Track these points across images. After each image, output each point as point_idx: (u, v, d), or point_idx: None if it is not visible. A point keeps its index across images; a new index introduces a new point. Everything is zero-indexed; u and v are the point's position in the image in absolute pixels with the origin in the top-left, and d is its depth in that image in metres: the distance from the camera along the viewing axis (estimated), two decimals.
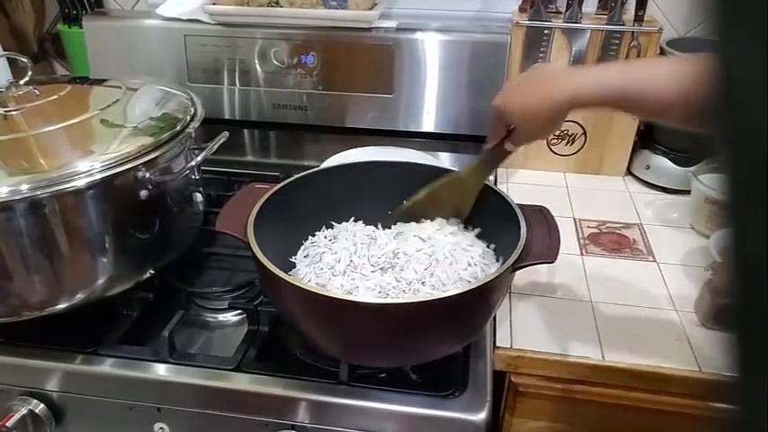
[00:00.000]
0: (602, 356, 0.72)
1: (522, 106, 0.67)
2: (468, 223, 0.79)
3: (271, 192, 0.74)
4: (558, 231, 0.70)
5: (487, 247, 0.75)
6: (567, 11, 1.04)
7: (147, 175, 0.73)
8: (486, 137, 0.74)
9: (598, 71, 0.66)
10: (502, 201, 0.74)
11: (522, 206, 0.72)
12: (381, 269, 0.70)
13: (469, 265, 0.70)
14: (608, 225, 0.97)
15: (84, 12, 1.20)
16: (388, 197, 0.83)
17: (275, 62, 1.09)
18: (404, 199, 0.82)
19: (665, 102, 0.59)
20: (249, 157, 1.20)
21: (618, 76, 0.62)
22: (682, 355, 0.72)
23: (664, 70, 0.62)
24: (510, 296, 0.81)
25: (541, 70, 0.70)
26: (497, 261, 0.73)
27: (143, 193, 0.73)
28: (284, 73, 1.10)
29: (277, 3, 1.05)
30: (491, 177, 1.08)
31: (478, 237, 0.78)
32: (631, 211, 1.01)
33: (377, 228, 0.79)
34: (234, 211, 0.71)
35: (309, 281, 0.70)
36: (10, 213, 0.66)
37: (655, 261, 0.89)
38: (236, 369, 0.71)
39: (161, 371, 0.72)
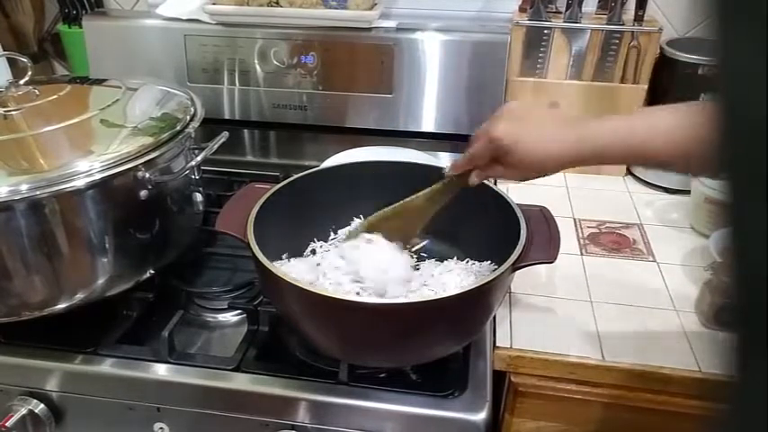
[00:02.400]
0: (602, 356, 0.72)
1: (541, 152, 0.62)
2: (468, 223, 0.79)
3: (270, 192, 0.74)
4: (557, 231, 0.70)
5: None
6: (566, 11, 1.04)
7: (147, 175, 0.73)
8: (454, 162, 0.70)
9: (602, 124, 0.62)
10: (502, 201, 0.74)
11: (522, 206, 0.72)
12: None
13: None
14: (608, 225, 0.97)
15: (84, 12, 1.20)
16: (388, 197, 0.83)
17: (275, 62, 1.09)
18: (403, 199, 0.82)
19: (667, 157, 0.59)
20: (249, 157, 1.20)
21: (622, 130, 0.60)
22: (682, 355, 0.72)
23: (664, 126, 0.59)
24: (510, 296, 0.81)
25: (551, 111, 0.65)
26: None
27: (143, 193, 0.73)
28: (284, 73, 1.10)
29: (277, 3, 1.05)
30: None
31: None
32: (631, 211, 1.01)
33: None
34: (234, 211, 0.71)
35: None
36: (10, 213, 0.66)
37: (655, 261, 0.89)
38: (236, 369, 0.71)
39: (161, 371, 0.72)
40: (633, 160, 0.62)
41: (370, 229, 0.75)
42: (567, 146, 0.61)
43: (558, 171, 0.64)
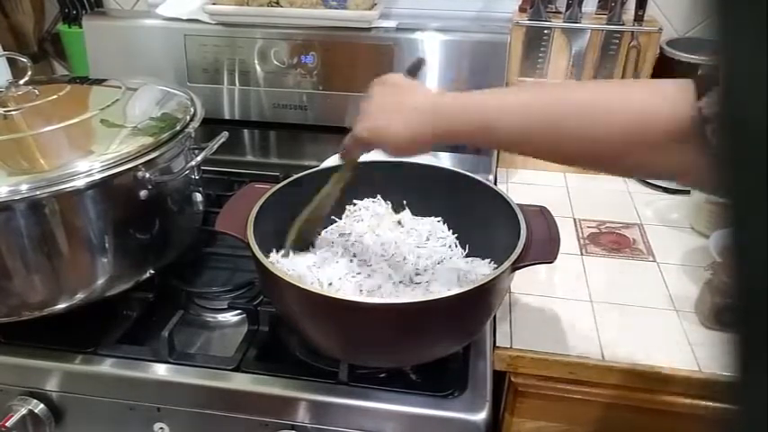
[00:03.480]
0: (602, 356, 0.72)
1: (395, 141, 0.62)
2: (468, 223, 0.79)
3: (270, 192, 0.74)
4: (557, 231, 0.70)
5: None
6: (566, 11, 1.04)
7: (147, 175, 0.73)
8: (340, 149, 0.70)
9: (460, 102, 0.60)
10: (502, 201, 0.73)
11: (522, 206, 0.72)
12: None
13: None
14: (608, 225, 0.97)
15: (84, 12, 1.20)
16: (387, 197, 0.83)
17: (275, 62, 1.09)
18: (403, 199, 0.83)
19: (511, 139, 0.56)
20: (249, 157, 1.20)
21: (474, 108, 0.58)
22: (682, 355, 0.72)
23: (517, 103, 0.57)
24: (510, 296, 0.81)
25: (407, 93, 0.64)
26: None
27: (143, 193, 0.73)
28: (284, 73, 1.10)
29: (277, 3, 1.05)
30: (491, 177, 1.09)
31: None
32: (631, 211, 1.01)
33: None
34: (233, 211, 0.71)
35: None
36: (10, 213, 0.66)
37: (655, 261, 0.89)
38: (236, 369, 0.71)
39: (161, 371, 0.72)
40: (482, 139, 0.60)
41: (298, 240, 0.74)
42: (420, 129, 0.60)
43: (426, 151, 0.64)
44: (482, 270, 0.73)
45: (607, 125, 0.52)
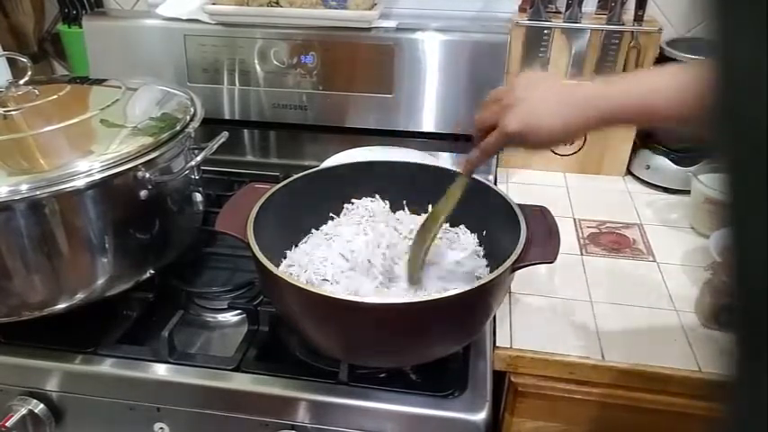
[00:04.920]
0: (602, 356, 0.72)
1: (549, 134, 0.62)
2: (468, 223, 0.79)
3: (270, 192, 0.74)
4: (557, 231, 0.70)
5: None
6: (566, 11, 1.04)
7: (147, 175, 0.73)
8: (467, 161, 0.69)
9: (611, 86, 0.63)
10: (502, 201, 0.73)
11: (522, 206, 0.72)
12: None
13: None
14: (608, 225, 0.97)
15: (83, 12, 1.20)
16: (387, 197, 0.83)
17: (275, 62, 1.09)
18: (403, 198, 0.83)
19: (669, 113, 0.59)
20: (249, 157, 1.20)
21: (632, 90, 0.61)
22: (682, 355, 0.72)
23: (665, 81, 0.61)
24: (510, 296, 0.81)
25: (552, 85, 0.65)
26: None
27: (143, 193, 0.73)
28: (284, 73, 1.10)
29: (277, 3, 1.05)
30: (491, 177, 1.09)
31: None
32: (631, 211, 1.01)
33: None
34: (233, 211, 0.71)
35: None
36: (10, 213, 0.66)
37: (655, 261, 0.89)
38: (236, 369, 0.71)
39: (161, 371, 0.72)
40: (641, 120, 0.65)
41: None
42: (574, 119, 0.62)
43: (574, 140, 0.67)
44: (480, 269, 0.73)
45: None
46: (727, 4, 0.22)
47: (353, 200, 0.82)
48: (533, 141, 0.63)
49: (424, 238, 0.71)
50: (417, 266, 0.71)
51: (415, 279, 0.71)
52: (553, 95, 0.63)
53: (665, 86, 0.60)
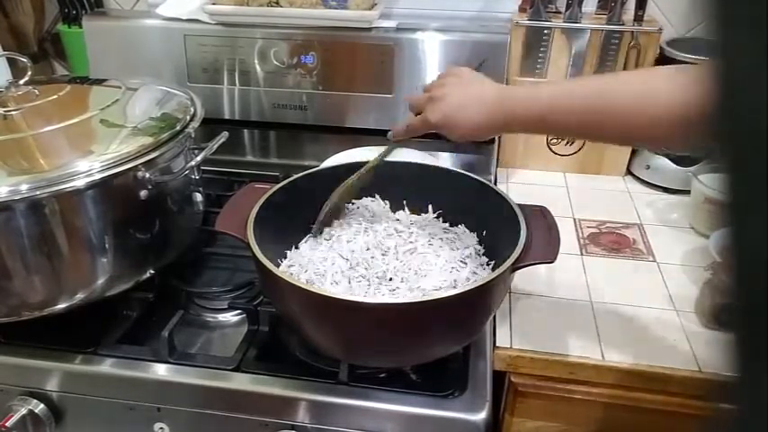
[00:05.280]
0: (602, 356, 0.72)
1: (468, 129, 0.68)
2: (468, 223, 0.79)
3: (270, 192, 0.74)
4: (557, 231, 0.70)
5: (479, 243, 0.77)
6: (566, 11, 1.04)
7: (147, 175, 0.73)
8: (395, 130, 0.77)
9: (521, 94, 0.67)
10: (502, 201, 0.73)
11: (522, 206, 0.72)
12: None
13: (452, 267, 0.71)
14: (608, 225, 0.97)
15: (83, 12, 1.20)
16: (387, 197, 0.83)
17: (275, 62, 1.09)
18: (403, 198, 0.83)
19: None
20: (249, 157, 1.20)
21: (532, 100, 0.65)
22: (682, 355, 0.72)
23: (576, 91, 0.63)
24: (510, 296, 0.81)
25: (467, 90, 0.70)
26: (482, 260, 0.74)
27: (143, 193, 0.73)
28: (284, 73, 1.10)
29: (277, 3, 1.05)
30: (491, 177, 1.09)
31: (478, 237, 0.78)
32: (631, 211, 1.01)
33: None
34: (233, 211, 0.71)
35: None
36: (10, 213, 0.66)
37: (655, 261, 0.89)
38: (236, 369, 0.71)
39: (161, 371, 0.72)
40: (541, 127, 0.68)
41: (339, 198, 0.78)
42: (494, 116, 0.66)
43: (491, 137, 0.74)
44: (478, 270, 0.73)
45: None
46: (727, 5, 0.22)
47: (353, 200, 0.83)
48: (454, 135, 0.70)
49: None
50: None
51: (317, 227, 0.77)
52: (473, 98, 0.68)
53: (577, 92, 0.63)
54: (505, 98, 0.66)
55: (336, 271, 0.71)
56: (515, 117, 0.65)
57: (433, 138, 1.11)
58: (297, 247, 0.77)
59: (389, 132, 0.78)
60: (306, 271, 0.71)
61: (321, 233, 0.78)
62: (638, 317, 0.78)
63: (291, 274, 0.71)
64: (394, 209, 0.83)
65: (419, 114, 0.73)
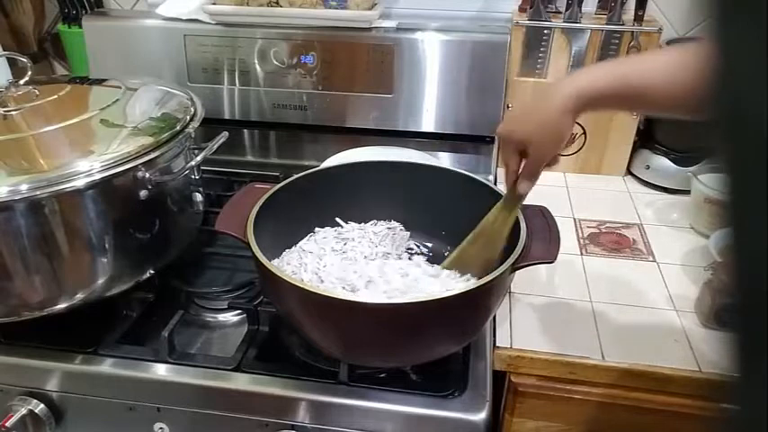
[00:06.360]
0: (602, 356, 0.72)
1: (528, 122, 0.65)
2: (467, 223, 0.79)
3: (270, 192, 0.74)
4: (557, 231, 0.70)
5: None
6: (566, 11, 1.04)
7: (147, 175, 0.73)
8: (503, 168, 0.71)
9: (597, 67, 0.64)
10: None
11: (522, 206, 0.72)
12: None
13: None
14: (608, 225, 0.97)
15: (83, 12, 1.20)
16: (387, 197, 0.83)
17: (275, 62, 1.09)
18: (403, 199, 0.83)
19: (668, 93, 0.58)
20: (249, 157, 1.20)
21: (618, 69, 0.62)
22: (682, 355, 0.72)
23: (663, 60, 0.61)
24: (510, 296, 0.81)
25: (539, 91, 0.69)
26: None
27: (143, 193, 0.73)
28: (284, 73, 1.10)
29: (277, 3, 1.05)
30: (491, 177, 1.09)
31: None
32: (631, 211, 1.01)
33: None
34: (233, 211, 0.71)
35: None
36: (10, 213, 0.66)
37: (655, 261, 0.89)
38: (236, 369, 0.71)
39: (161, 371, 0.72)
40: (636, 98, 0.63)
41: (456, 263, 0.74)
42: (569, 94, 0.62)
43: (568, 127, 0.65)
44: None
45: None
46: (727, 5, 0.22)
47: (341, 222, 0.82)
48: (528, 137, 0.65)
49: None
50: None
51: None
52: (542, 92, 0.66)
53: (661, 65, 0.60)
54: (578, 80, 0.62)
55: (337, 271, 0.71)
56: (600, 99, 0.61)
57: (432, 138, 1.12)
58: (297, 246, 0.77)
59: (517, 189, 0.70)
60: (306, 271, 0.71)
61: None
62: (638, 317, 0.78)
63: (293, 273, 0.71)
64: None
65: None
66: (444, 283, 0.70)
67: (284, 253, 0.77)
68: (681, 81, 0.57)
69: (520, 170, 0.68)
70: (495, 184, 1.01)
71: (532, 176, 0.68)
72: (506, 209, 0.71)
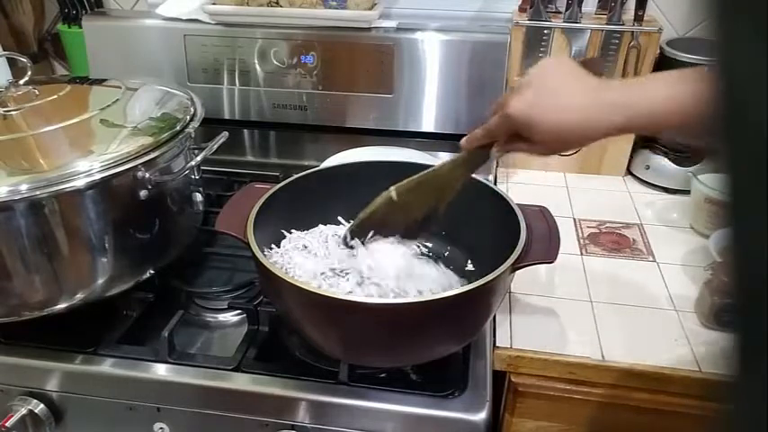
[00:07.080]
0: (602, 356, 0.72)
1: (558, 124, 0.56)
2: (468, 223, 0.79)
3: (270, 192, 0.74)
4: (557, 231, 0.70)
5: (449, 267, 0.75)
6: (566, 11, 1.04)
7: (147, 175, 0.73)
8: (470, 135, 0.65)
9: (634, 99, 0.55)
10: (502, 201, 0.74)
11: (522, 206, 0.72)
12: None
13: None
14: (608, 225, 0.97)
15: (83, 12, 1.20)
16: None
17: (275, 62, 1.09)
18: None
19: (669, 123, 0.54)
20: (249, 157, 1.20)
21: (634, 100, 0.55)
22: (682, 355, 0.72)
23: (663, 90, 0.55)
24: (510, 296, 0.81)
25: (571, 75, 0.57)
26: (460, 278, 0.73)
27: (143, 193, 0.73)
28: (284, 73, 1.10)
29: (277, 3, 1.05)
30: (490, 177, 1.09)
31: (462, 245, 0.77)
32: (631, 211, 1.01)
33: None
34: (233, 211, 0.71)
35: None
36: (10, 213, 0.66)
37: (655, 261, 0.89)
38: (236, 369, 0.71)
39: (161, 371, 0.72)
40: (653, 129, 0.58)
41: (398, 196, 0.69)
42: (590, 114, 0.54)
43: (588, 143, 0.57)
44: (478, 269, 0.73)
45: None
46: (728, 7, 0.22)
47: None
48: (539, 132, 0.56)
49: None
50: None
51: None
52: (570, 87, 0.55)
53: (676, 94, 0.54)
54: (611, 85, 0.55)
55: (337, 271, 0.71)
56: (636, 121, 0.53)
57: (432, 138, 1.12)
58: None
59: (463, 139, 0.64)
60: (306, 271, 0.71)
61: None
62: (638, 317, 0.78)
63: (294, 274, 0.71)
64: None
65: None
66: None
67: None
68: (679, 111, 0.53)
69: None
70: (496, 183, 1.01)
71: (509, 151, 0.62)
72: (467, 168, 0.67)
